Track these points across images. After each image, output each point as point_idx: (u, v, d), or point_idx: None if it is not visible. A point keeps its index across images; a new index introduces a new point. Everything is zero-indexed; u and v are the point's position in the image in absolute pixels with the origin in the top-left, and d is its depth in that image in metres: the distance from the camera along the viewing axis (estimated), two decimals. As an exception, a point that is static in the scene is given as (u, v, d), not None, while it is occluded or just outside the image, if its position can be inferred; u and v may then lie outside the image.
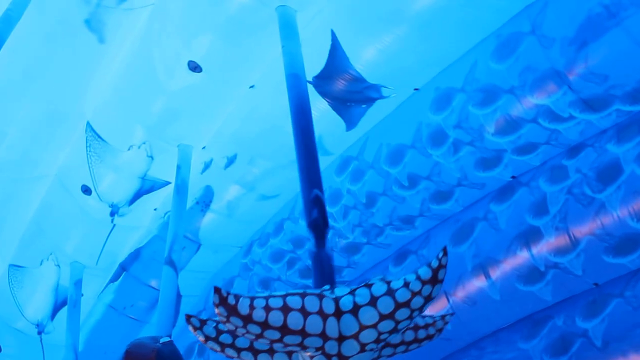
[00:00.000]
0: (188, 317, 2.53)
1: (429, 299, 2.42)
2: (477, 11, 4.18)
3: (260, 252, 5.73)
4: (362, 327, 2.40)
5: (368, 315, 2.39)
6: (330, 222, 3.42)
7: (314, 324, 2.37)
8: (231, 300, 2.29)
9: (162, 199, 5.65)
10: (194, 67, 4.72)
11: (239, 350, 2.53)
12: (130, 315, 6.03)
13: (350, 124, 4.80)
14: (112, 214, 5.60)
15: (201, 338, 2.53)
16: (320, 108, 4.66)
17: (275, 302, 2.34)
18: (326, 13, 4.40)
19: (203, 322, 2.53)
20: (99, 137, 5.33)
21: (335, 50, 4.39)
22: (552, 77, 3.95)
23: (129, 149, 5.36)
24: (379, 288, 2.42)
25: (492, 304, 4.41)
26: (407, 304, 2.37)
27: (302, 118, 3.70)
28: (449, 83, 4.48)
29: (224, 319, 2.31)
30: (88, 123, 5.35)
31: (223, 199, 5.59)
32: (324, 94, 4.59)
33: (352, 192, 5.01)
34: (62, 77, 5.14)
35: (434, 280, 2.38)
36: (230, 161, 5.32)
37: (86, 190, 5.60)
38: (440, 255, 2.40)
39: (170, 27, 4.74)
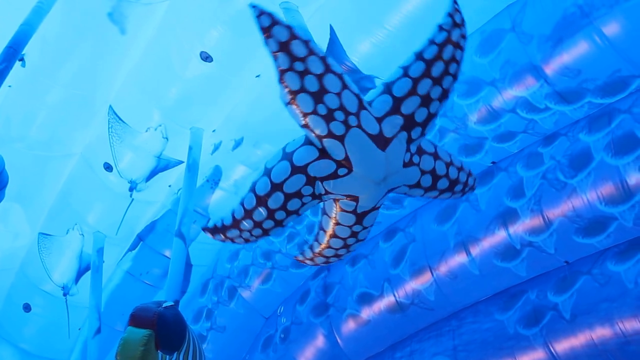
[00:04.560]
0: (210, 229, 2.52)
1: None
2: (462, 9, 4.14)
3: (263, 227, 5.76)
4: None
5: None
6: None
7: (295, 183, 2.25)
8: (219, 224, 2.37)
9: (175, 176, 5.67)
10: (206, 57, 4.76)
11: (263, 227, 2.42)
12: (145, 281, 6.06)
13: (346, 111, 4.81)
14: (130, 189, 5.61)
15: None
16: (319, 96, 4.72)
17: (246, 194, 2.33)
18: (325, 9, 4.45)
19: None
20: (120, 119, 5.37)
21: (333, 43, 4.34)
22: (530, 71, 3.98)
23: (146, 131, 5.39)
24: None
25: (472, 278, 4.44)
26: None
27: None
28: (436, 75, 4.51)
29: (227, 239, 2.38)
30: (110, 107, 5.38)
31: (230, 178, 5.60)
32: (322, 83, 4.62)
33: (347, 173, 5.02)
34: (87, 65, 5.17)
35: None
36: (238, 144, 5.32)
37: (108, 167, 5.64)
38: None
39: (184, 21, 4.78)
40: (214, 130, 5.42)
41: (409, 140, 2.31)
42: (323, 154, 2.22)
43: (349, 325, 5.08)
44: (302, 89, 2.12)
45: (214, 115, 5.34)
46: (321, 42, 4.39)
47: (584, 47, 3.77)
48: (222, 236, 2.37)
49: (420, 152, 2.40)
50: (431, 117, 2.31)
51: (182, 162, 5.37)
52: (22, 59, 4.92)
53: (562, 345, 4.02)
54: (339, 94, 2.16)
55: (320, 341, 5.28)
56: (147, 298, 5.86)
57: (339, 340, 5.17)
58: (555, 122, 4.12)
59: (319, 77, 2.12)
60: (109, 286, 6.20)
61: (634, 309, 3.76)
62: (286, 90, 2.14)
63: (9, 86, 5.08)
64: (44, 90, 5.38)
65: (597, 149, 3.91)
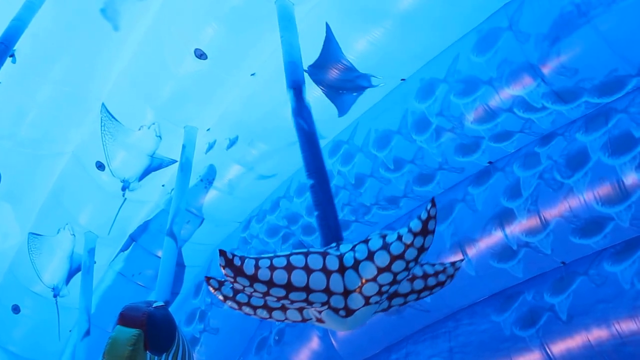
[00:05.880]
0: (207, 279, 2.48)
1: (422, 250, 2.38)
2: (459, 8, 4.20)
3: (257, 227, 5.72)
4: (364, 281, 2.38)
5: (368, 270, 2.38)
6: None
7: (317, 281, 2.35)
8: (237, 261, 2.26)
9: (169, 176, 5.62)
10: (200, 55, 4.75)
11: (254, 308, 2.51)
12: (138, 282, 6.02)
13: (342, 110, 4.78)
14: (123, 189, 5.58)
15: (220, 297, 2.50)
16: (314, 95, 4.62)
17: (280, 262, 2.32)
18: (321, 7, 4.44)
19: (221, 283, 2.49)
20: (113, 117, 5.34)
21: (330, 41, 4.39)
22: (527, 70, 3.97)
23: (139, 129, 5.36)
24: (375, 243, 2.41)
25: (468, 279, 4.43)
26: (401, 256, 2.36)
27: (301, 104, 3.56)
28: (432, 74, 4.48)
29: (231, 280, 2.28)
30: (103, 104, 5.35)
31: (225, 178, 5.58)
32: (318, 82, 4.57)
33: (342, 173, 5.02)
34: (79, 62, 5.15)
35: (425, 231, 2.35)
36: (232, 142, 5.30)
37: (100, 166, 5.61)
38: (429, 207, 2.34)
39: (178, 17, 4.77)
40: (208, 129, 5.40)
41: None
42: (346, 294, 2.42)
43: (344, 327, 5.08)
44: (394, 275, 2.42)
45: (209, 113, 5.31)
46: (317, 40, 4.41)
47: (581, 46, 3.78)
48: (231, 273, 2.28)
49: None
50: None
51: (176, 161, 5.34)
52: (12, 55, 4.88)
53: (558, 347, 4.02)
54: (405, 279, 2.52)
55: (315, 343, 5.26)
56: (139, 299, 5.82)
57: (333, 342, 5.15)
58: (553, 122, 4.12)
59: (410, 262, 2.42)
60: (101, 287, 6.15)
61: (630, 310, 3.76)
62: (386, 266, 2.39)
63: (-1, 82, 5.08)
64: (35, 87, 5.36)
65: (594, 148, 3.91)
